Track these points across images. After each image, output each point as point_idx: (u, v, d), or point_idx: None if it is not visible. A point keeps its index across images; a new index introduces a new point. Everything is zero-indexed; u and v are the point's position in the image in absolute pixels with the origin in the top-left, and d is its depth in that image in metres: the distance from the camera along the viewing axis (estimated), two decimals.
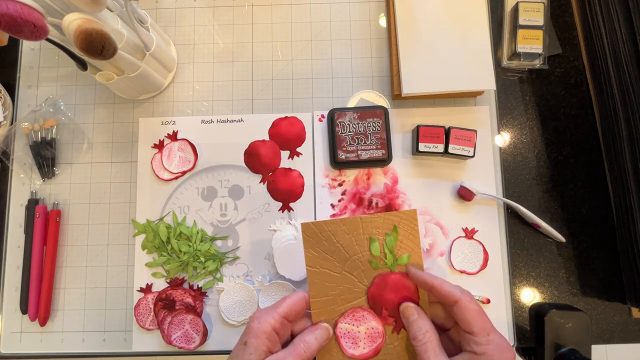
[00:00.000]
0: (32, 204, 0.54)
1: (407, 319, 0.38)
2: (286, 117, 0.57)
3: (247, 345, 0.37)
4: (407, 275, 0.40)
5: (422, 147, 0.53)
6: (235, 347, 0.39)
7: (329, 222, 0.41)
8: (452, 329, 0.40)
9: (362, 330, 0.40)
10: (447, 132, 0.53)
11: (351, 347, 0.40)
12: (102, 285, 0.54)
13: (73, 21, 0.39)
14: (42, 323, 0.53)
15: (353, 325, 0.40)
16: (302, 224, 0.41)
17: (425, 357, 0.35)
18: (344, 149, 0.53)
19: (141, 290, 0.53)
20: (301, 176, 0.55)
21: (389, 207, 0.55)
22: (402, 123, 0.56)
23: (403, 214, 0.41)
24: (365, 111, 0.54)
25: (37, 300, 0.53)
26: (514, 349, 0.53)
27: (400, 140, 0.56)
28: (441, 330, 0.40)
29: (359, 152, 0.53)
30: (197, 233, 0.54)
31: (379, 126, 0.54)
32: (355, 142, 0.53)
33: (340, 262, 0.41)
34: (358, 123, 0.54)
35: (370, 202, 0.55)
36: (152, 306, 0.52)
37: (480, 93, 0.56)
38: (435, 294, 0.37)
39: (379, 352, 0.40)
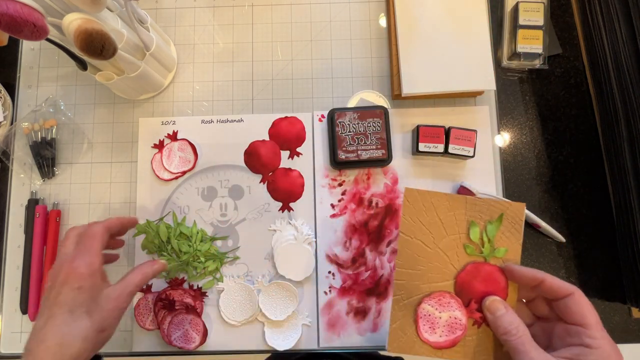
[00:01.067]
0: (32, 204, 0.54)
1: (494, 313, 0.37)
2: (286, 117, 0.57)
3: (83, 288, 0.38)
4: (500, 270, 0.39)
5: (422, 147, 0.53)
6: (65, 294, 0.37)
7: (433, 193, 0.40)
8: (534, 325, 0.39)
9: (444, 317, 0.38)
10: (447, 132, 0.53)
11: (427, 332, 0.38)
12: None
13: (73, 21, 0.39)
14: None
15: (436, 309, 0.38)
16: (407, 188, 0.40)
17: (524, 350, 0.34)
18: (344, 149, 0.53)
19: (141, 290, 0.53)
20: (301, 176, 0.55)
21: (389, 207, 0.55)
22: (402, 123, 0.56)
23: (510, 204, 0.39)
24: (365, 111, 0.54)
25: (37, 300, 0.53)
26: None
27: (400, 140, 0.56)
28: None
29: (359, 152, 0.53)
30: (197, 233, 0.54)
31: (379, 126, 0.54)
32: (355, 142, 0.53)
33: (436, 237, 0.39)
34: (358, 123, 0.54)
35: (370, 202, 0.55)
36: (152, 306, 0.52)
37: (480, 93, 0.56)
38: (545, 288, 0.36)
39: (456, 344, 0.38)
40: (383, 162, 0.54)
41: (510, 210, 0.39)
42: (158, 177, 0.55)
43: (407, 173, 0.56)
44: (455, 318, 0.38)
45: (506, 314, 0.36)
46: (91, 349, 0.37)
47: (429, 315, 0.38)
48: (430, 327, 0.38)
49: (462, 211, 0.40)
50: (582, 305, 0.35)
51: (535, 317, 0.39)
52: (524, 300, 0.40)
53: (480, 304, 0.38)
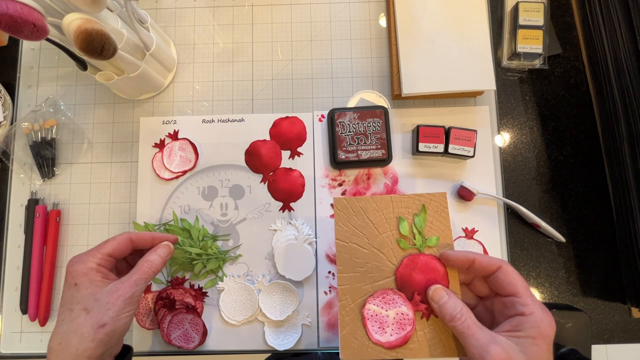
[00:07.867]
0: (32, 204, 0.54)
1: (438, 302, 0.37)
2: (287, 116, 0.57)
3: (79, 285, 0.38)
4: (436, 258, 0.40)
5: (422, 147, 0.53)
6: (64, 294, 0.39)
7: (360, 198, 0.42)
8: (478, 306, 0.40)
9: (391, 314, 0.38)
10: (447, 132, 0.53)
11: (377, 332, 0.38)
12: None
13: (73, 21, 0.39)
14: (42, 323, 0.53)
15: (382, 308, 0.38)
16: (335, 198, 0.42)
17: (470, 334, 0.34)
18: (344, 149, 0.53)
19: None
20: (302, 176, 0.55)
21: None
22: (402, 123, 0.56)
23: (432, 195, 0.42)
24: (365, 111, 0.54)
25: (37, 300, 0.53)
26: None
27: (400, 140, 0.56)
28: None
29: (359, 152, 0.53)
30: (200, 230, 0.54)
31: (379, 126, 0.54)
32: (355, 142, 0.53)
33: (369, 238, 0.41)
34: (358, 123, 0.54)
35: None
36: (152, 306, 0.52)
37: (480, 93, 0.56)
38: (477, 267, 0.38)
39: (408, 340, 0.38)
40: (383, 162, 0.54)
41: (433, 200, 0.42)
42: (159, 176, 0.55)
43: (407, 173, 0.56)
44: (403, 314, 0.38)
45: (449, 300, 0.37)
46: (95, 345, 0.37)
47: (376, 315, 0.38)
48: (379, 328, 0.38)
49: (389, 210, 0.41)
50: (510, 275, 0.36)
51: (478, 298, 0.41)
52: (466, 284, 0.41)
53: (425, 295, 0.39)
